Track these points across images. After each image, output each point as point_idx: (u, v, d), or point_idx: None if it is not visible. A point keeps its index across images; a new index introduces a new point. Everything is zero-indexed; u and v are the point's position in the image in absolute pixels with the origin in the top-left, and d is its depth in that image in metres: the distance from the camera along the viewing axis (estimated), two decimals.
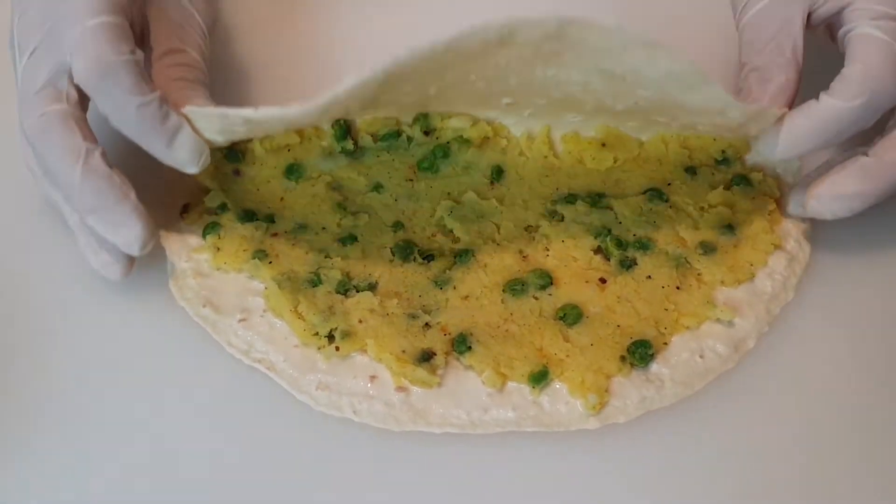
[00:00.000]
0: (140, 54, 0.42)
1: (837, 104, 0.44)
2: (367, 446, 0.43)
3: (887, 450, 0.43)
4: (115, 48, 0.41)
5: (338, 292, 0.46)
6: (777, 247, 0.47)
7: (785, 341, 0.46)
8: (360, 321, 0.45)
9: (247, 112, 0.42)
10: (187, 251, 0.47)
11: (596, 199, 0.49)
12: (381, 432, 0.43)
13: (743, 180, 0.49)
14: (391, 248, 0.47)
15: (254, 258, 0.46)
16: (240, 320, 0.45)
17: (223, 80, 0.54)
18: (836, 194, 0.45)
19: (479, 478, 0.42)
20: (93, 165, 0.42)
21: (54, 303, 0.47)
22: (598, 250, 0.47)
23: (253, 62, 0.57)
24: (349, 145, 0.50)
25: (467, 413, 0.43)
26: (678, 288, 0.46)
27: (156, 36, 0.46)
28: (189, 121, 0.44)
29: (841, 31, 0.46)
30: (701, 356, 0.44)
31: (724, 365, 0.45)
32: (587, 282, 0.46)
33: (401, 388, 0.43)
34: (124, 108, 0.42)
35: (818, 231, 0.49)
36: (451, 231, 0.48)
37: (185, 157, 0.44)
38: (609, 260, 0.47)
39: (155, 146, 0.43)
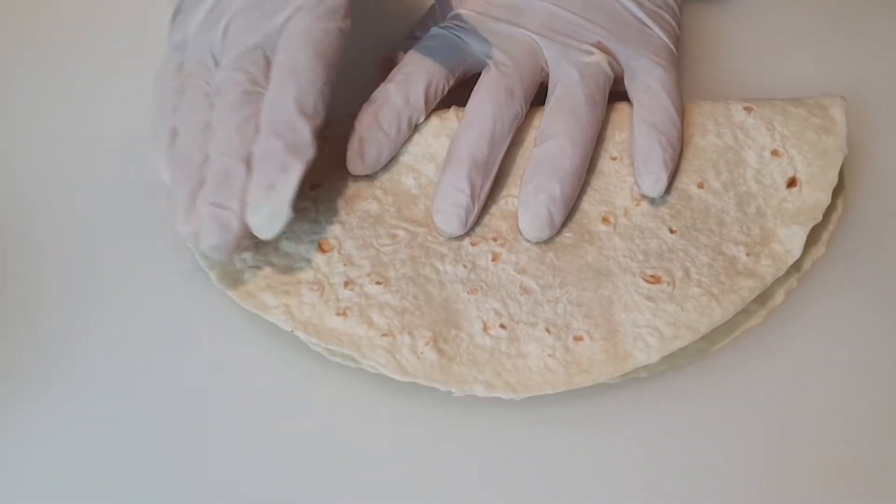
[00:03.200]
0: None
1: None
2: (379, 399, 0.42)
3: None
4: None
5: None
6: None
7: (814, 297, 0.44)
8: None
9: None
10: None
11: None
12: (396, 386, 0.42)
13: None
14: None
15: None
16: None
17: None
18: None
19: (498, 434, 0.41)
20: None
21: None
22: None
23: None
24: None
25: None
26: None
27: None
28: None
29: None
30: None
31: (750, 321, 0.44)
32: None
33: None
34: None
35: (851, 186, 0.47)
36: None
37: None
38: None
39: None
